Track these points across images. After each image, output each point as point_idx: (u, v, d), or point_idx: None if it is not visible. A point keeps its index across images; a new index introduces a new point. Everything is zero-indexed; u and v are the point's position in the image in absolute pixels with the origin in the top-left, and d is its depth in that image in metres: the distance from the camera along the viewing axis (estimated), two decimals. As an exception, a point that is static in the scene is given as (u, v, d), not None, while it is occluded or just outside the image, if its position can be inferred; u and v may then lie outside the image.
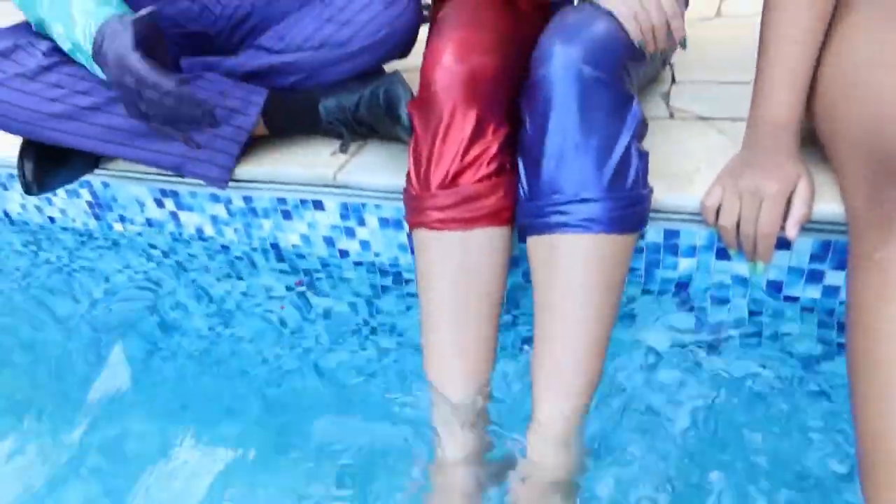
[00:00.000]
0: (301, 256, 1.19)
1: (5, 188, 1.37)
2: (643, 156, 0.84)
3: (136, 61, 0.84)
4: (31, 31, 1.03)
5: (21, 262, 1.35)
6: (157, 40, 0.89)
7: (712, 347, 0.93)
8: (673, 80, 1.20)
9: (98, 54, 0.89)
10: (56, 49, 1.00)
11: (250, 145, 1.11)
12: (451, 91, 0.84)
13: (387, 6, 1.05)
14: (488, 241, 0.86)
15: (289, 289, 1.15)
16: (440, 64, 0.85)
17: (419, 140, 0.87)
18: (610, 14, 0.85)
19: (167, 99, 0.86)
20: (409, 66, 1.09)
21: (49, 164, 1.12)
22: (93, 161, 1.19)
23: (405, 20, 1.07)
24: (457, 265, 0.85)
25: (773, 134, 0.80)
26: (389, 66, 1.12)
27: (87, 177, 1.22)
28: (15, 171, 1.25)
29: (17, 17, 1.05)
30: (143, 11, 0.87)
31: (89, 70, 0.98)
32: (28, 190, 1.10)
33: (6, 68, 0.98)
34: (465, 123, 0.84)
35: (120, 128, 1.02)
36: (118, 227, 1.31)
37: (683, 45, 0.91)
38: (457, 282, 0.85)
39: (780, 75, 0.79)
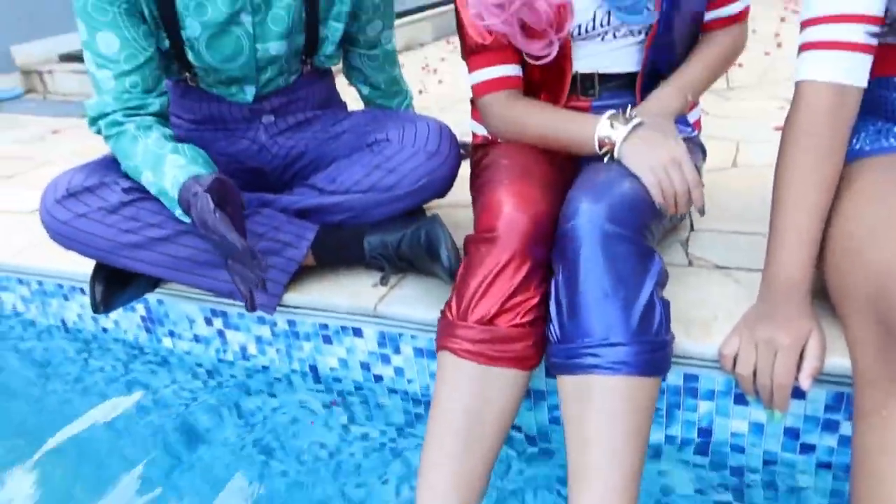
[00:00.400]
0: (337, 379, 1.25)
1: (66, 299, 1.47)
2: (665, 304, 0.91)
3: (215, 223, 0.95)
4: (115, 167, 1.16)
5: (72, 368, 1.43)
6: (230, 193, 1.01)
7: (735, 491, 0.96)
8: (691, 228, 1.28)
9: (184, 207, 1.01)
10: (134, 188, 1.12)
11: (298, 273, 1.21)
12: (510, 239, 0.92)
13: (429, 157, 1.17)
14: (507, 381, 0.92)
15: (325, 406, 1.21)
16: (503, 213, 0.94)
17: (468, 274, 0.94)
18: (636, 177, 0.95)
19: (236, 251, 0.96)
20: (442, 202, 1.18)
21: (116, 285, 1.22)
22: (154, 282, 1.29)
23: (445, 170, 1.18)
24: (474, 395, 0.91)
25: (785, 291, 0.87)
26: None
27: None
28: (77, 285, 1.36)
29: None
30: (214, 177, 0.99)
31: (165, 207, 1.10)
32: (96, 310, 1.19)
33: (91, 202, 1.10)
34: (517, 273, 0.92)
35: (185, 257, 1.13)
36: (167, 341, 1.40)
37: (702, 212, 0.98)
38: (469, 410, 0.90)
39: (791, 239, 0.87)
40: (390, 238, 1.18)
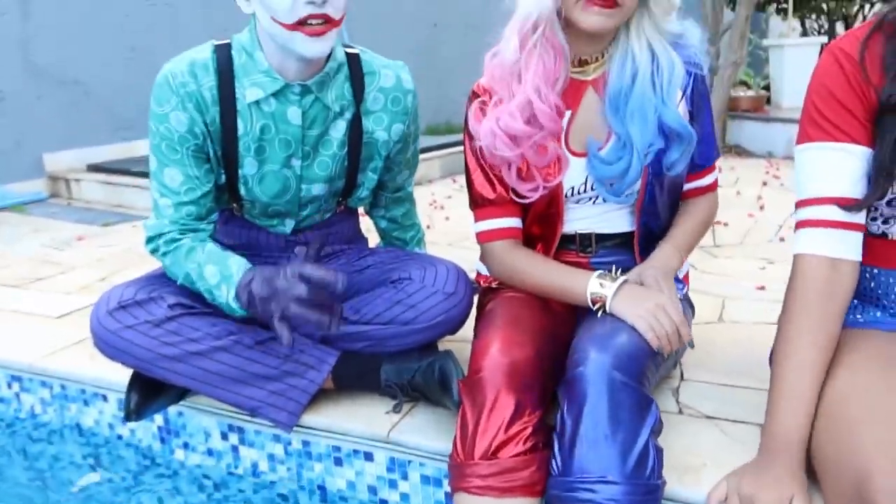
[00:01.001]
0: (344, 499, 1.31)
1: (86, 404, 1.54)
2: (659, 451, 1.00)
3: (311, 270, 1.07)
4: (163, 283, 1.28)
5: (74, 474, 1.47)
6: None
7: None
8: (682, 377, 1.39)
9: (251, 296, 1.13)
10: (179, 304, 1.24)
11: (316, 395, 1.29)
12: (495, 379, 1.04)
13: (447, 297, 1.30)
14: (519, 509, 1.00)
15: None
16: (489, 356, 1.07)
17: (466, 414, 1.05)
18: (632, 327, 1.08)
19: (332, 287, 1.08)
20: (454, 338, 1.30)
21: (149, 395, 1.30)
22: (181, 394, 1.37)
23: (460, 310, 1.31)
24: None
25: (779, 448, 0.95)
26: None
27: (166, 405, 1.39)
28: (99, 392, 1.44)
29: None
30: (305, 251, 1.14)
31: (209, 320, 1.22)
32: (128, 417, 1.27)
33: (139, 315, 1.21)
34: (507, 407, 1.03)
35: (216, 372, 1.22)
36: (179, 453, 1.45)
37: (691, 345, 1.14)
38: None
39: (789, 401, 0.96)
40: (406, 369, 1.28)
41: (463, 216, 3.10)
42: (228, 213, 1.40)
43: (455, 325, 1.32)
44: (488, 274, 1.33)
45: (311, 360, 1.29)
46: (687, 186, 1.28)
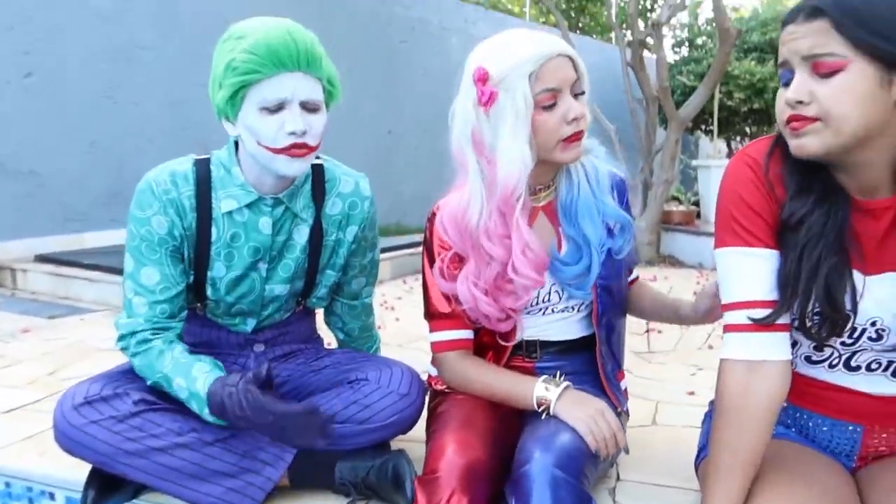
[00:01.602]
0: None
1: (31, 502, 1.52)
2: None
3: (266, 405, 1.17)
4: (128, 378, 1.33)
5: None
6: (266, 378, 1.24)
7: None
8: (618, 478, 1.49)
9: (216, 409, 1.21)
10: (143, 400, 1.28)
11: (272, 493, 1.33)
12: (451, 479, 1.13)
13: (401, 398, 1.38)
14: None
15: None
16: (444, 457, 1.15)
17: None
18: (573, 429, 1.18)
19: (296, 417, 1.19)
20: (405, 438, 1.37)
21: (105, 491, 1.31)
22: (136, 491, 1.38)
23: (413, 410, 1.39)
24: None
25: None
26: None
27: (118, 502, 1.40)
28: (46, 489, 1.44)
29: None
30: (254, 373, 1.23)
31: (173, 416, 1.28)
32: (83, 513, 1.28)
33: (104, 411, 1.25)
34: None
35: (175, 468, 1.26)
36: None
37: (626, 450, 1.25)
38: None
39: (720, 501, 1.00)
40: (360, 467, 1.34)
41: (413, 317, 3.19)
42: (191, 311, 1.47)
43: (408, 425, 1.40)
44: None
45: (269, 458, 1.34)
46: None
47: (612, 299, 1.35)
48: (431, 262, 1.33)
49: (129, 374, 1.35)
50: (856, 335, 1.01)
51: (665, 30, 6.30)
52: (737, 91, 8.22)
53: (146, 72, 4.50)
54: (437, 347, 1.35)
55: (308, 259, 1.45)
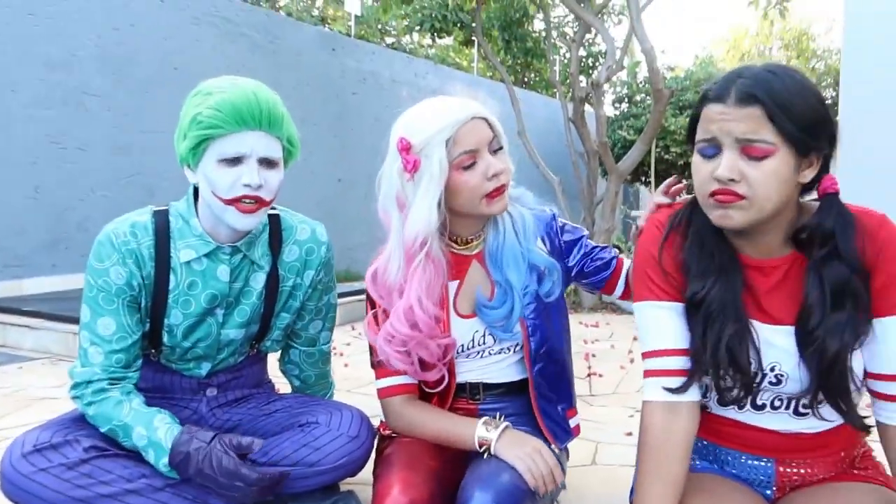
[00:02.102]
0: None
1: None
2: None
3: (234, 466, 1.26)
4: (78, 425, 1.34)
5: None
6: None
7: None
8: (559, 516, 1.56)
9: (177, 459, 1.26)
10: (94, 447, 1.30)
11: (220, 538, 1.35)
12: None
13: (351, 440, 1.43)
14: None
15: None
16: (390, 496, 1.20)
17: None
18: (513, 467, 1.25)
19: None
20: (353, 480, 1.40)
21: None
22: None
23: (362, 452, 1.44)
24: None
25: None
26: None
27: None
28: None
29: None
30: (240, 442, 1.33)
31: (123, 462, 1.29)
32: (29, 561, 1.27)
33: (53, 458, 1.26)
34: None
35: (124, 515, 1.27)
36: None
37: (564, 486, 1.33)
38: None
39: None
40: (309, 508, 1.37)
41: (362, 363, 3.23)
42: (145, 358, 1.50)
43: (357, 467, 1.44)
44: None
45: (219, 502, 1.36)
46: (604, 275, 1.44)
47: (545, 341, 1.41)
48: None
49: (79, 421, 1.36)
50: (759, 381, 1.11)
51: (607, 86, 6.63)
52: (673, 146, 8.69)
53: (93, 118, 4.50)
54: (382, 393, 1.41)
55: (264, 304, 1.50)
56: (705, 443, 1.22)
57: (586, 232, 1.50)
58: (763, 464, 1.18)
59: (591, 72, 9.77)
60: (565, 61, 8.97)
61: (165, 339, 1.43)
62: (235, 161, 1.31)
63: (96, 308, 1.35)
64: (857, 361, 1.07)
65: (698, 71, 9.88)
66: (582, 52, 9.66)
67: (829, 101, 1.02)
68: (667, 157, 8.73)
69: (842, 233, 1.04)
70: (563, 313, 1.48)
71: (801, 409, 1.13)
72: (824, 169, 1.07)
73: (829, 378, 1.05)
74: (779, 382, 1.11)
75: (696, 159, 1.06)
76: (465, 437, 1.32)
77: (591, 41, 9.57)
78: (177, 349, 1.46)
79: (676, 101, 8.86)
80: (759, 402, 1.14)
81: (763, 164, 0.99)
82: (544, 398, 1.43)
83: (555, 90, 6.83)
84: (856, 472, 1.18)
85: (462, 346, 1.39)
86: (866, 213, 1.08)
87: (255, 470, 1.28)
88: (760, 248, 1.11)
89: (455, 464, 1.37)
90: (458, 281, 1.39)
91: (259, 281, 1.47)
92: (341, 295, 4.57)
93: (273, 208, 1.54)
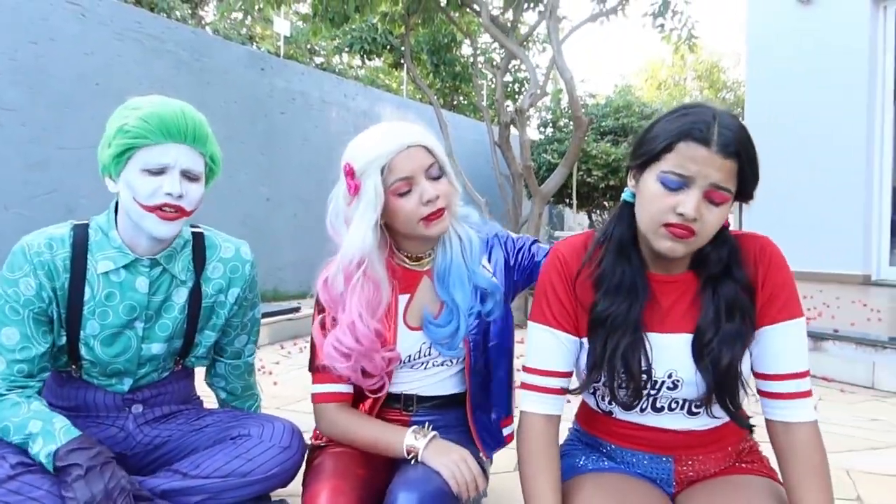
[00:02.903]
0: None
1: None
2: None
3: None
4: (3, 443, 1.33)
5: None
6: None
7: None
8: (482, 518, 1.64)
9: (59, 464, 1.27)
10: (21, 462, 1.29)
11: (151, 552, 1.36)
12: None
13: (282, 450, 1.47)
14: None
15: None
16: (318, 503, 1.25)
17: None
18: (438, 473, 1.32)
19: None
20: (283, 491, 1.44)
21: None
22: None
23: (292, 462, 1.48)
24: None
25: None
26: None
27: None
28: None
29: None
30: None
31: (48, 480, 1.28)
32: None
33: (-21, 476, 1.25)
34: None
35: (53, 531, 1.27)
36: None
37: (485, 493, 1.40)
38: None
39: None
40: (241, 519, 1.41)
41: (291, 381, 3.24)
42: (66, 374, 1.49)
43: (289, 477, 1.48)
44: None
45: (147, 516, 1.37)
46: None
47: (487, 357, 1.48)
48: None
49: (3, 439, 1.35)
50: (658, 386, 1.24)
51: (532, 111, 6.87)
52: (595, 169, 9.06)
53: (6, 133, 4.34)
54: (317, 398, 1.45)
55: (187, 319, 1.52)
56: (612, 446, 1.33)
57: (533, 238, 1.57)
58: (664, 461, 1.30)
59: (516, 97, 10.07)
60: (492, 86, 9.24)
61: (83, 351, 1.44)
62: (159, 172, 1.35)
63: (1, 318, 1.36)
64: (745, 365, 1.21)
65: (618, 98, 10.36)
66: (508, 78, 9.98)
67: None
68: (589, 179, 9.09)
69: (734, 259, 1.19)
70: (509, 329, 1.52)
71: (694, 409, 1.26)
72: None
73: (722, 382, 1.18)
74: (675, 387, 1.23)
75: (654, 187, 1.11)
76: (394, 445, 1.37)
77: (516, 67, 9.88)
78: (97, 364, 1.46)
79: (598, 126, 9.26)
80: (658, 406, 1.26)
81: (718, 208, 1.10)
82: (480, 408, 1.50)
83: (482, 114, 7.02)
84: (744, 465, 1.31)
85: (409, 356, 1.45)
86: (752, 236, 1.23)
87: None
88: (668, 267, 1.24)
89: (383, 472, 1.42)
90: (409, 294, 1.45)
91: (181, 296, 1.50)
92: (269, 314, 4.55)
93: (197, 226, 1.57)
